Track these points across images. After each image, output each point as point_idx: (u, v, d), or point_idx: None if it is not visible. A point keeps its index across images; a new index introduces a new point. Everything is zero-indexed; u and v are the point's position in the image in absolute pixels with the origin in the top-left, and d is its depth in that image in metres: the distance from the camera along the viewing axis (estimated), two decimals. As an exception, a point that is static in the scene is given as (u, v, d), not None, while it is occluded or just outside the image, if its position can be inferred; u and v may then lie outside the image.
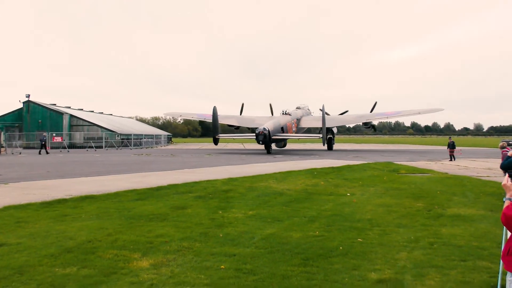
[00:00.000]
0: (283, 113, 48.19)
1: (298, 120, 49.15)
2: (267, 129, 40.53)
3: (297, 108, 51.86)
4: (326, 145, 46.72)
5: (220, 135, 45.14)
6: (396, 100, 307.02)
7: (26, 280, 5.56)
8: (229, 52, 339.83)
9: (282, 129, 43.95)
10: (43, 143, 44.86)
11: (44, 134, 49.64)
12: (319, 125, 45.81)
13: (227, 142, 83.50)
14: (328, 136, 47.53)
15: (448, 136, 36.19)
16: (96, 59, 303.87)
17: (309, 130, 51.75)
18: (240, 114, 52.83)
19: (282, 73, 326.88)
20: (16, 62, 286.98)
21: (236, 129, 51.24)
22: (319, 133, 44.97)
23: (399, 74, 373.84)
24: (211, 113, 44.41)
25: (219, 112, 44.27)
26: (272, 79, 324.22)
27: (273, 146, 45.68)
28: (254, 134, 41.96)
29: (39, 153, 42.39)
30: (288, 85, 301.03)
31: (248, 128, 51.43)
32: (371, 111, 50.82)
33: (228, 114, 53.08)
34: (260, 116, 52.60)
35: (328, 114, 48.59)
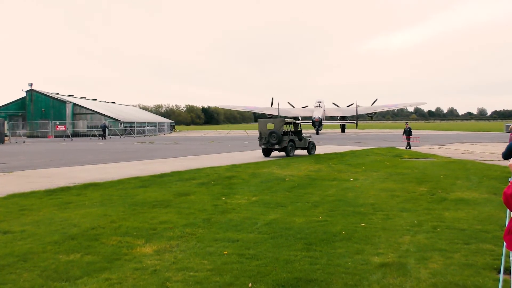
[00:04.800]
0: (317, 106, 62.61)
1: (324, 110, 63.39)
2: (321, 117, 56.07)
3: (318, 102, 64.67)
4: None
5: None
6: (401, 86, 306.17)
7: (30, 267, 5.59)
8: (225, 42, 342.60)
9: (323, 117, 59.38)
10: (104, 129, 45.38)
11: (104, 122, 50.09)
12: (337, 114, 66.93)
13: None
14: (343, 123, 65.45)
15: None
16: (97, 47, 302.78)
17: (330, 118, 66.92)
18: (271, 106, 68.43)
19: (279, 62, 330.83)
20: (15, 52, 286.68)
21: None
22: (338, 119, 66.39)
23: (403, 60, 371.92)
24: (255, 105, 69.51)
25: (232, 104, 65.58)
26: (273, 68, 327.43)
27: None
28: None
29: (98, 138, 42.81)
30: (284, 74, 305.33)
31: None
32: (372, 104, 67.28)
33: (264, 106, 71.13)
34: (293, 108, 69.96)
35: (338, 106, 69.90)
